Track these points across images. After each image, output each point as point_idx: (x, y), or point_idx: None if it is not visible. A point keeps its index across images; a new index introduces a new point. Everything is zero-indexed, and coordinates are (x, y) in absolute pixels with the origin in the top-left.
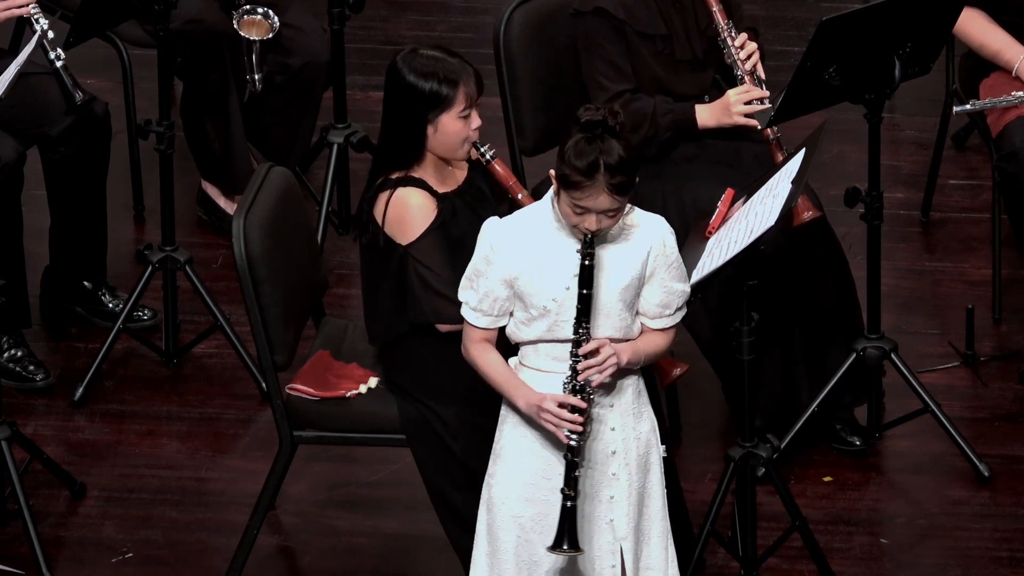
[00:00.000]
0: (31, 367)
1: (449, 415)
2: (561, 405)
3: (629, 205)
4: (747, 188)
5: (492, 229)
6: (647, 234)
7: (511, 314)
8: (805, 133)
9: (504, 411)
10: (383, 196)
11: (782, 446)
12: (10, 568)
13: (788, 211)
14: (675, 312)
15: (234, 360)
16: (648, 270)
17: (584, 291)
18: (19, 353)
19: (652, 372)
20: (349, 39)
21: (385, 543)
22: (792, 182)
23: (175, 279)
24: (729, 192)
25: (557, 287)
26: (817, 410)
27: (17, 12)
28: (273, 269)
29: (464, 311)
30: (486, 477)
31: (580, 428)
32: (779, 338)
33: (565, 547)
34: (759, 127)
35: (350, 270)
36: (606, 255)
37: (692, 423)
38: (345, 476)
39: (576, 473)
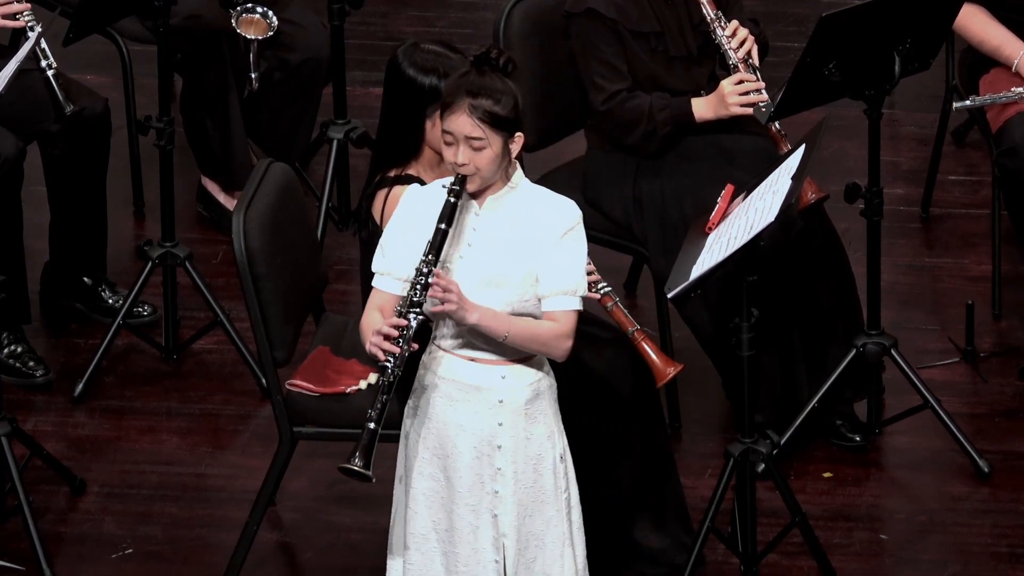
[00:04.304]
0: (31, 363)
1: None
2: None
3: (527, 181)
4: (747, 184)
5: (409, 194)
6: (549, 213)
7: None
8: (805, 129)
9: (416, 381)
10: (381, 194)
11: (782, 442)
12: (10, 564)
13: (788, 206)
14: (556, 295)
15: (234, 356)
16: (537, 248)
17: (441, 226)
18: (19, 349)
19: (649, 371)
20: (349, 35)
21: (384, 539)
22: (792, 178)
23: (175, 275)
24: (729, 188)
25: (451, 254)
26: (817, 406)
27: (12, 24)
28: (273, 265)
29: (374, 279)
30: (394, 501)
31: (395, 349)
32: (779, 334)
33: (356, 463)
34: (754, 114)
35: (350, 266)
36: (499, 224)
37: (692, 419)
38: None
39: (384, 398)
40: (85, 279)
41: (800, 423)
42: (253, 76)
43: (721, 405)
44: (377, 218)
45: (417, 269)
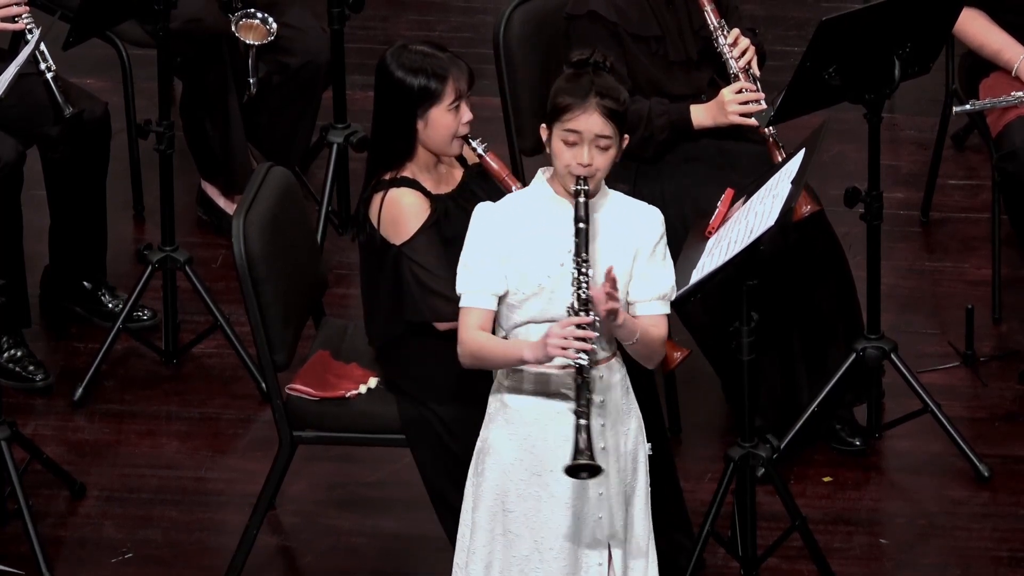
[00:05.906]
0: (31, 367)
1: (448, 415)
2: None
3: (613, 190)
4: (747, 188)
5: (483, 210)
6: (641, 219)
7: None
8: (805, 133)
9: (491, 410)
10: (377, 197)
11: (782, 446)
12: (10, 568)
13: (788, 210)
14: (651, 301)
15: (234, 360)
16: (634, 253)
17: (580, 225)
18: (19, 353)
19: (650, 375)
20: (349, 39)
21: (385, 543)
22: (792, 182)
23: (175, 279)
24: (729, 192)
25: (551, 263)
26: (817, 410)
27: (10, 27)
28: (273, 269)
29: (464, 299)
30: (470, 474)
31: (589, 346)
32: (779, 338)
33: (584, 459)
34: (756, 124)
35: (350, 270)
36: (596, 229)
37: (692, 423)
38: (345, 476)
39: (589, 394)
40: (85, 283)
41: (800, 427)
42: (251, 82)
43: (721, 409)
44: (374, 221)
45: (573, 272)
